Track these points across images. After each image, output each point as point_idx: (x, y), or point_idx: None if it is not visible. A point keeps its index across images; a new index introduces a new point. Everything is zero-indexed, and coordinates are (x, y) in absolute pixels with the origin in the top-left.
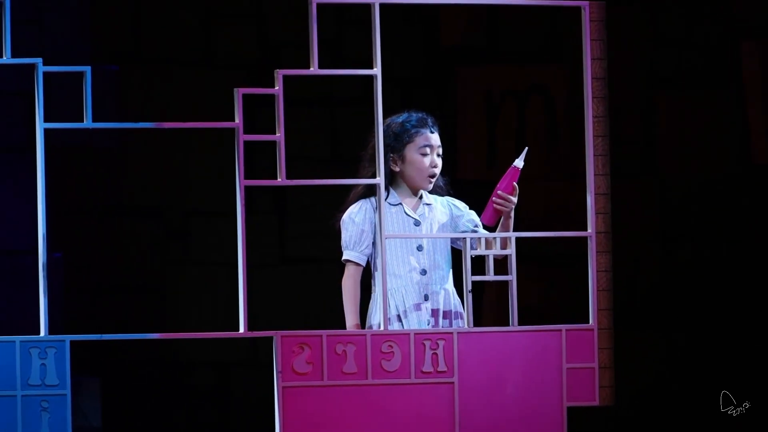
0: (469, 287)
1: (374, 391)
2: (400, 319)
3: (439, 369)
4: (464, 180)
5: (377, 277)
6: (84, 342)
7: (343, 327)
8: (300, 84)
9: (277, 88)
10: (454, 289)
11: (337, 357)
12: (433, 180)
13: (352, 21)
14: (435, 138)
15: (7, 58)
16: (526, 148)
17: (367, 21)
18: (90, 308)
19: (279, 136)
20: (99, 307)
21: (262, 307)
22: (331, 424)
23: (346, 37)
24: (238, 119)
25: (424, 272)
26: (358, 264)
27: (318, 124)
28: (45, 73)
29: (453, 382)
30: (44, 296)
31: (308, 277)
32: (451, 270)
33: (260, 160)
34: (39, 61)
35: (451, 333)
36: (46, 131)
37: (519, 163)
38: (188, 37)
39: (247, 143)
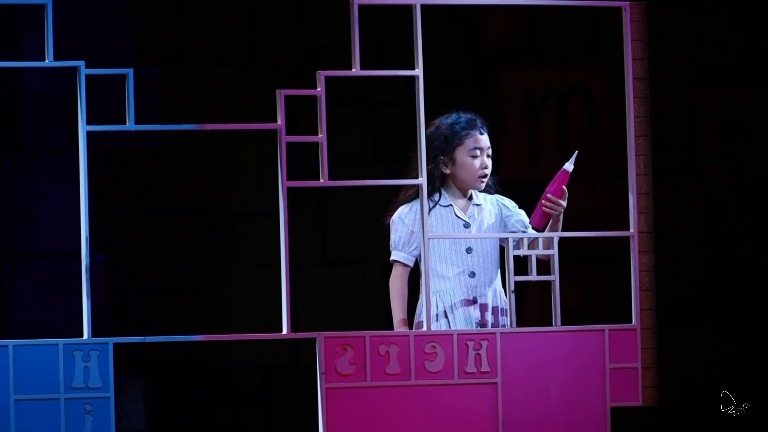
0: (513, 287)
1: (417, 392)
2: (446, 315)
3: (482, 369)
4: (506, 180)
5: (424, 279)
6: (127, 344)
7: (386, 327)
8: (342, 85)
9: (319, 89)
10: (501, 289)
11: (380, 358)
12: (485, 180)
13: (393, 22)
14: (485, 139)
15: (50, 61)
16: (576, 151)
17: (409, 22)
18: (133, 310)
19: (321, 137)
20: (142, 309)
21: (305, 308)
22: (374, 425)
23: (387, 38)
24: (281, 120)
25: (473, 275)
26: (406, 265)
27: (360, 125)
28: (87, 76)
29: (496, 383)
30: (87, 299)
31: (351, 278)
32: (499, 271)
33: (302, 161)
34: (81, 63)
35: (495, 333)
36: (89, 134)
37: (569, 166)
38: (230, 39)
39: (289, 144)
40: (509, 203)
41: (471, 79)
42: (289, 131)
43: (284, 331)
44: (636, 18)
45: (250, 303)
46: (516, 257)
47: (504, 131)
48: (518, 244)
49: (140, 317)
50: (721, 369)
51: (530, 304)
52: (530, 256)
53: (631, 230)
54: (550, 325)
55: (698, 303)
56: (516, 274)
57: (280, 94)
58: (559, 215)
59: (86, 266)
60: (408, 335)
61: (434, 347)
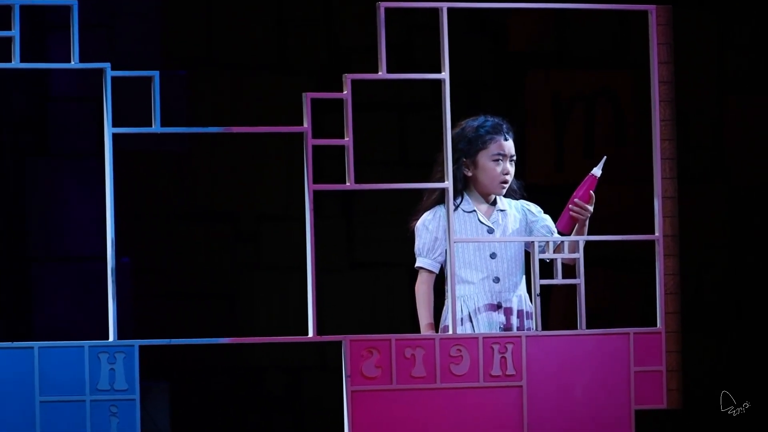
0: (538, 291)
1: (443, 395)
2: (470, 319)
3: (507, 372)
4: (532, 184)
5: (450, 282)
6: (153, 347)
7: (412, 331)
8: (368, 88)
9: (345, 92)
10: (526, 294)
11: (406, 361)
12: (506, 186)
13: (420, 25)
14: (509, 145)
15: (75, 63)
16: (605, 156)
17: (435, 25)
18: (159, 313)
19: (348, 140)
20: (168, 312)
21: (330, 311)
22: (399, 428)
23: (414, 41)
24: (307, 124)
25: (497, 280)
26: (431, 271)
27: (386, 128)
28: (113, 78)
29: (521, 386)
30: (113, 301)
31: (377, 282)
32: (524, 276)
33: (328, 164)
34: (107, 65)
35: (520, 337)
36: (115, 136)
37: (597, 171)
38: (257, 42)
39: (315, 147)
40: (534, 208)
41: (498, 83)
42: (315, 134)
43: (310, 334)
44: (662, 21)
45: (276, 306)
46: (541, 261)
47: (530, 135)
48: (544, 248)
49: (166, 320)
50: (745, 372)
51: (555, 307)
52: (555, 259)
53: (657, 234)
54: (575, 328)
55: (723, 306)
56: (541, 278)
57: (307, 97)
58: (585, 220)
59: (112, 269)
60: (433, 338)
61: (460, 350)
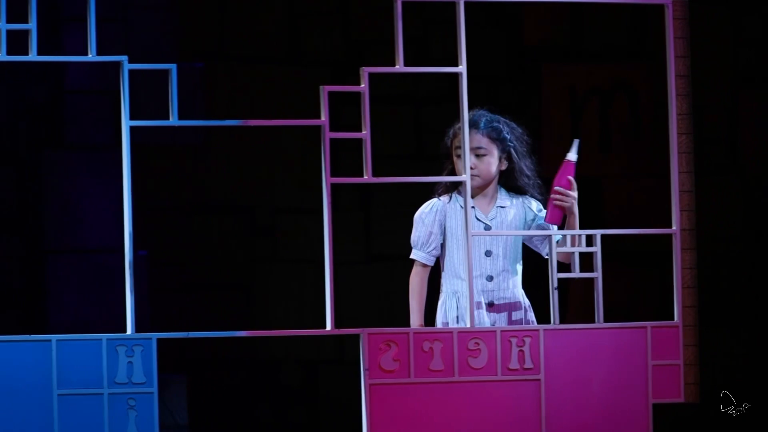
0: (555, 285)
1: (461, 388)
2: (458, 321)
3: (525, 366)
4: (549, 178)
5: (445, 277)
6: (170, 340)
7: (429, 324)
8: (385, 81)
9: (363, 85)
10: (522, 291)
11: (424, 354)
12: (477, 178)
13: (437, 19)
14: (473, 138)
15: (92, 56)
16: (577, 140)
17: (452, 19)
18: (176, 306)
19: (365, 133)
20: (185, 305)
21: (348, 304)
22: (417, 421)
23: (431, 34)
24: (324, 117)
25: (490, 278)
26: (425, 264)
27: (403, 121)
28: (130, 71)
29: (539, 379)
30: (131, 294)
31: (394, 275)
32: (519, 274)
33: (345, 157)
34: (124, 58)
35: (538, 330)
36: (132, 129)
37: (572, 156)
38: (274, 35)
39: (332, 140)
40: (535, 205)
41: (514, 76)
42: (332, 127)
43: (328, 327)
44: (678, 15)
45: (294, 300)
46: (540, 256)
47: (547, 129)
48: (542, 244)
49: (183, 313)
50: (763, 366)
51: (573, 302)
52: (574, 253)
53: (674, 227)
54: (592, 322)
55: (740, 300)
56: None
57: (324, 91)
58: (572, 207)
59: (129, 262)
60: (452, 332)
61: (478, 344)
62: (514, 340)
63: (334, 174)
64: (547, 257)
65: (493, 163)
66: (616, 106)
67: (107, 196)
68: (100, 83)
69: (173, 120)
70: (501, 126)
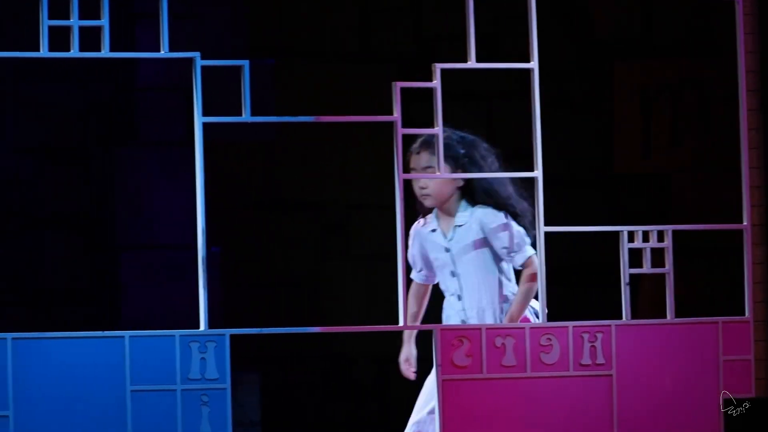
0: (627, 280)
1: (533, 384)
2: None
3: (597, 361)
4: (619, 174)
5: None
6: (243, 336)
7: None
8: (456, 77)
9: (435, 81)
10: (495, 308)
11: (497, 350)
12: (427, 198)
13: (508, 15)
14: (418, 159)
15: (164, 53)
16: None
17: (524, 14)
18: (248, 302)
19: (437, 129)
20: (257, 301)
21: None
22: (490, 417)
23: (502, 30)
24: (397, 113)
25: (459, 298)
26: (418, 282)
27: (475, 117)
28: (202, 67)
29: (611, 375)
30: (203, 290)
31: None
32: (489, 292)
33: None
34: (197, 55)
35: (609, 326)
36: (204, 125)
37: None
38: (344, 31)
39: (402, 136)
40: (492, 221)
41: (585, 72)
42: (402, 124)
43: (400, 323)
44: (748, 11)
45: (365, 296)
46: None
47: (619, 125)
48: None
49: (255, 309)
50: None
51: (644, 296)
52: (644, 249)
53: (744, 223)
54: (663, 317)
55: None
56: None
57: (396, 87)
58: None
59: (202, 258)
60: (524, 328)
61: (550, 339)
62: (586, 336)
63: (406, 170)
64: (518, 268)
65: (443, 181)
66: (686, 101)
67: (179, 193)
68: (171, 80)
69: (246, 116)
70: (453, 143)
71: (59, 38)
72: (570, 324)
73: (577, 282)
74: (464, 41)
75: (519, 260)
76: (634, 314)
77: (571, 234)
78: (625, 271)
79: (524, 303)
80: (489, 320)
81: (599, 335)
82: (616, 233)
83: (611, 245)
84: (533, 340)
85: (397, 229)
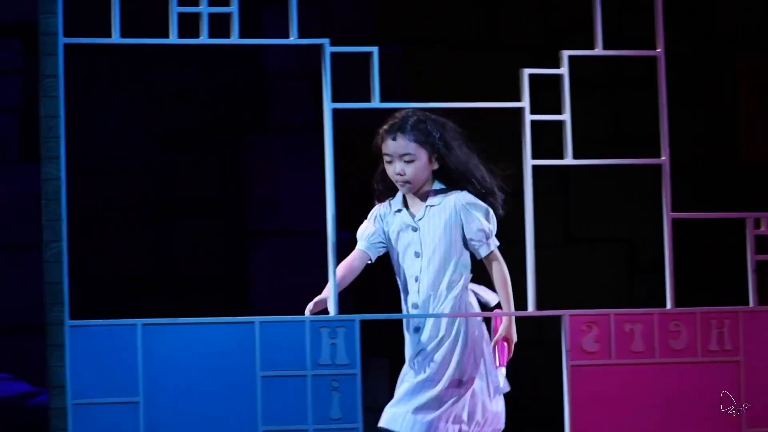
0: (753, 266)
1: (661, 370)
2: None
3: (725, 348)
4: (747, 161)
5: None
6: (373, 322)
7: (629, 305)
8: (583, 65)
9: (562, 68)
10: (459, 293)
11: (625, 336)
12: (406, 185)
13: (634, 2)
14: (395, 145)
15: (294, 39)
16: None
17: (647, 4)
18: (376, 287)
19: (565, 116)
20: (387, 287)
21: (547, 286)
22: (618, 402)
23: (628, 18)
24: (525, 100)
25: (416, 279)
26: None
27: (602, 104)
28: (331, 54)
29: (739, 361)
30: (333, 276)
31: (593, 257)
32: (447, 276)
33: (541, 140)
34: (326, 41)
35: (737, 312)
36: (334, 111)
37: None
38: (472, 18)
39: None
40: (476, 210)
41: (710, 61)
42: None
43: (530, 308)
44: None
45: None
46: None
47: (745, 113)
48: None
49: (384, 294)
50: None
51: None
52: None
53: None
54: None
55: None
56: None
57: (524, 73)
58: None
59: (332, 244)
60: (652, 314)
61: (678, 325)
62: (714, 322)
63: (533, 157)
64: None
65: (421, 167)
66: None
67: (308, 179)
68: (299, 66)
69: (375, 102)
70: (428, 127)
71: (189, 25)
72: (698, 310)
73: (704, 268)
74: (591, 31)
75: (484, 251)
76: (761, 301)
77: (697, 220)
78: (752, 258)
79: (509, 294)
80: (442, 305)
81: (726, 321)
82: (742, 220)
83: (737, 232)
84: (662, 327)
85: (525, 214)
